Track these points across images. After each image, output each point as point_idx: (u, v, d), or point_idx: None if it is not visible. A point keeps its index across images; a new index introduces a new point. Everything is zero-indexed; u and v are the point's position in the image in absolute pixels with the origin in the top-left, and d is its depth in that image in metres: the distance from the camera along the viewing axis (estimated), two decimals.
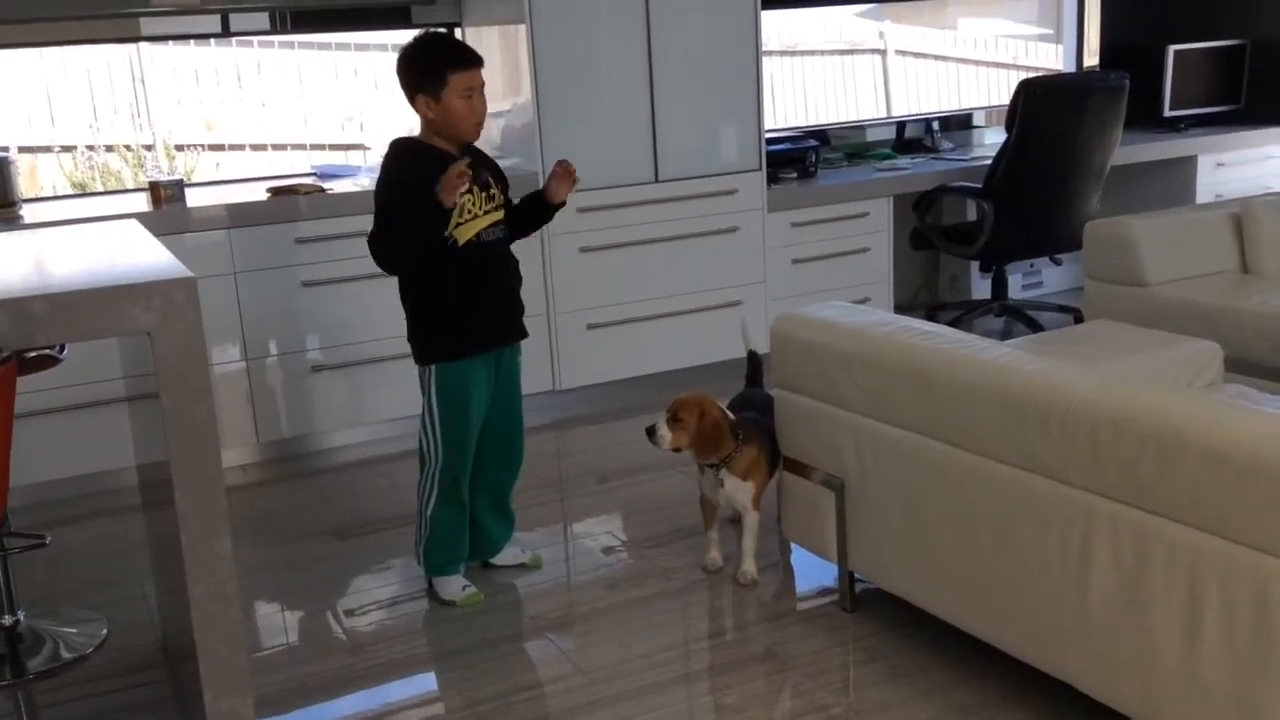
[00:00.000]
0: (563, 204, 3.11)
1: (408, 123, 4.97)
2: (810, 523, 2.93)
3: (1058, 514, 2.24)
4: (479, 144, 3.06)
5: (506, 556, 3.28)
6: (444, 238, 2.88)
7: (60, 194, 5.39)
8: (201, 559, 1.98)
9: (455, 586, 3.10)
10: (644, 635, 2.86)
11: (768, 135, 4.80)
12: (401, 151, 2.96)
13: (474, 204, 2.93)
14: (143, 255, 2.27)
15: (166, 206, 4.07)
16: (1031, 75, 5.21)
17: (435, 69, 2.86)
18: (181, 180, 4.24)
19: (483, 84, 2.92)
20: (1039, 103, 4.74)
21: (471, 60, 2.91)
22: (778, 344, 2.94)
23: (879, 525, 2.71)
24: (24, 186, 4.35)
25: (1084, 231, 4.04)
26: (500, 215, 3.02)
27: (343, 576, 3.31)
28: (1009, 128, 4.84)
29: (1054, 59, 6.32)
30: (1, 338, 1.75)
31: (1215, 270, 3.96)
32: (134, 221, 2.86)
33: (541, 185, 3.14)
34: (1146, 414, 2.09)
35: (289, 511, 3.80)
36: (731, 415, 3.05)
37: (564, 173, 3.05)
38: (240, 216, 4.02)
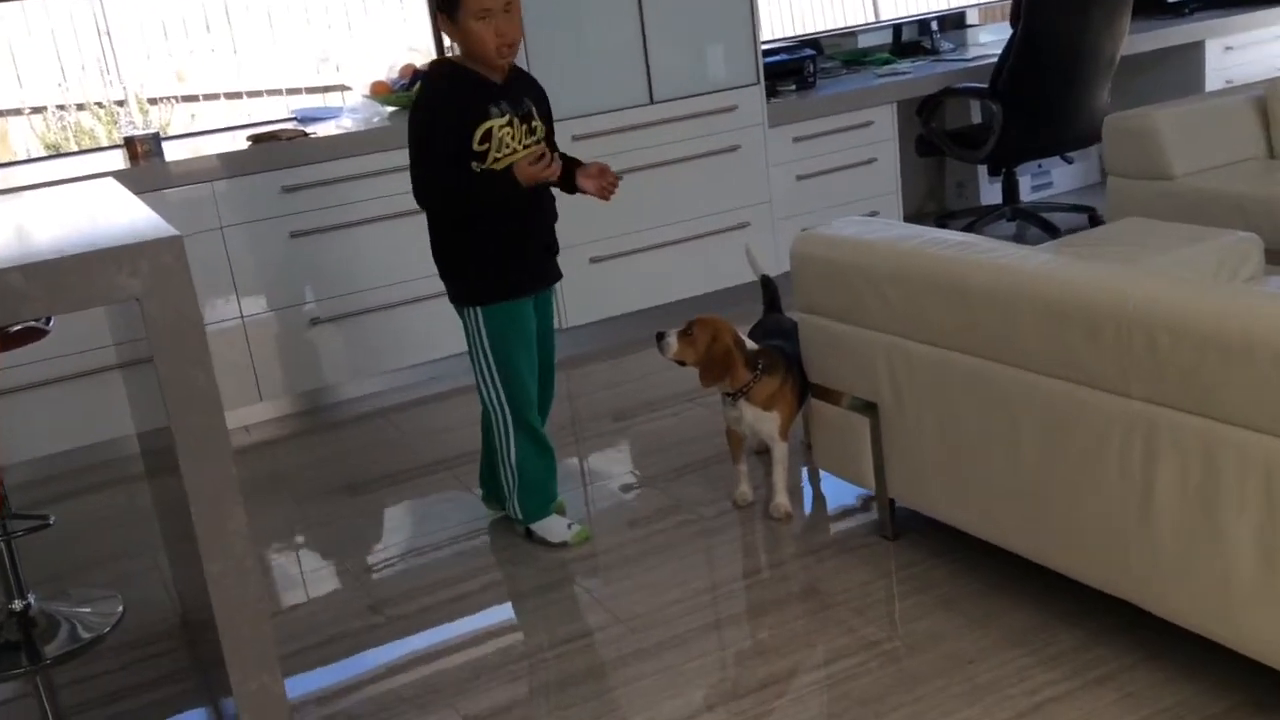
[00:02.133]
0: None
1: (385, 61, 4.83)
2: (843, 450, 2.81)
3: (1115, 427, 2.12)
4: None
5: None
6: (479, 173, 2.71)
7: (33, 157, 5.20)
8: (216, 536, 1.86)
9: (560, 526, 2.98)
10: (678, 578, 2.75)
11: (762, 46, 4.60)
12: (437, 75, 2.80)
13: (514, 137, 2.75)
14: (123, 215, 2.12)
15: (144, 162, 3.89)
16: None
17: None
18: (158, 134, 4.06)
19: (507, 5, 2.67)
20: None
21: None
22: (798, 265, 2.80)
23: (917, 449, 2.59)
24: None
25: (1103, 125, 3.87)
26: (539, 150, 2.80)
27: (359, 533, 3.20)
28: (1013, 23, 4.65)
29: None
30: None
31: (1242, 158, 3.81)
32: (111, 180, 2.70)
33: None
34: (1206, 315, 1.95)
35: (298, 470, 3.67)
36: (752, 344, 2.91)
37: (602, 182, 2.86)
38: (222, 168, 3.85)
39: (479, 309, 2.83)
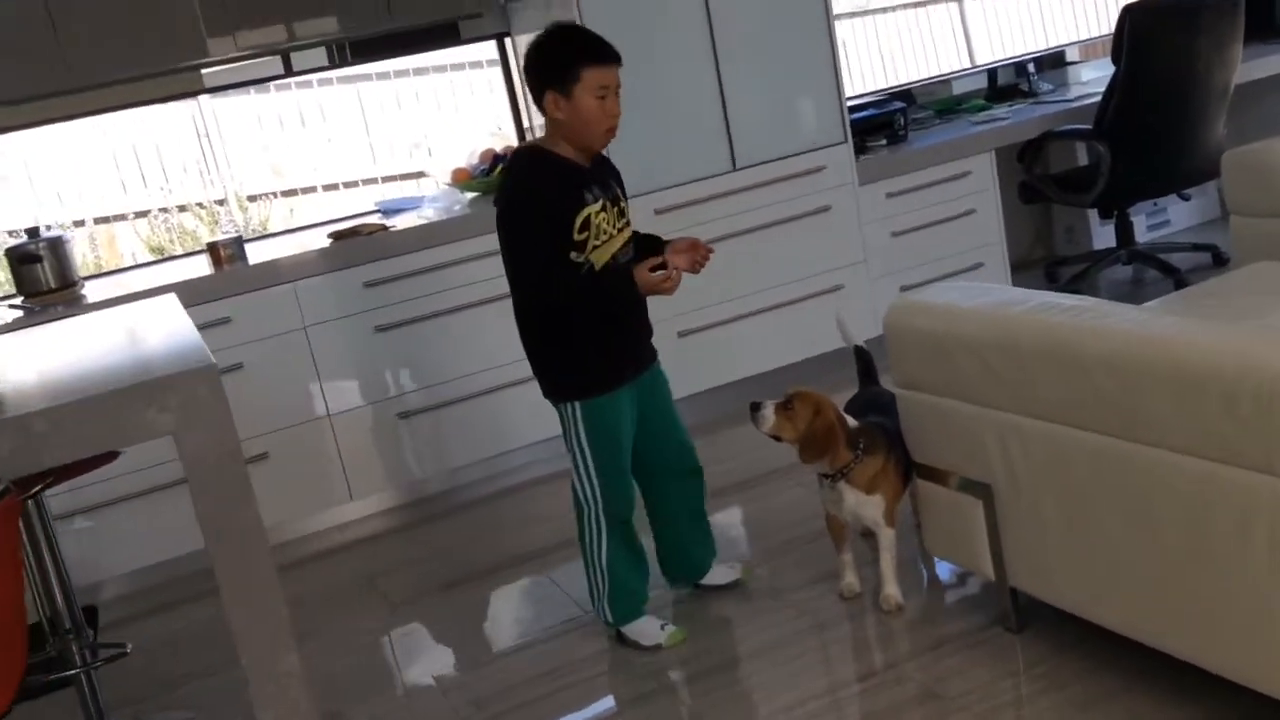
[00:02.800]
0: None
1: (471, 143, 4.78)
2: (956, 534, 2.58)
3: (1261, 509, 1.87)
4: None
5: (717, 575, 2.99)
6: (577, 264, 2.60)
7: (131, 263, 5.24)
8: (267, 683, 1.72)
9: (653, 629, 2.81)
10: (783, 684, 2.54)
11: (849, 103, 4.43)
12: (528, 165, 2.67)
13: (609, 222, 2.64)
14: (165, 340, 2.02)
15: (228, 267, 3.87)
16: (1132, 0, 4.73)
17: (568, 62, 2.55)
18: (240, 237, 4.04)
19: (619, 85, 2.60)
20: (1146, 27, 4.29)
21: (609, 56, 2.59)
22: (894, 337, 2.60)
23: (1038, 533, 2.35)
24: (105, 257, 4.18)
25: (1221, 161, 3.59)
26: (629, 234, 2.73)
27: (448, 635, 3.05)
28: (1115, 59, 4.40)
29: None
30: (2, 465, 1.50)
31: None
32: (172, 297, 2.63)
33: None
34: None
35: (390, 570, 3.56)
36: (852, 421, 2.71)
37: (695, 256, 2.71)
38: (304, 267, 3.80)
39: (576, 404, 2.69)
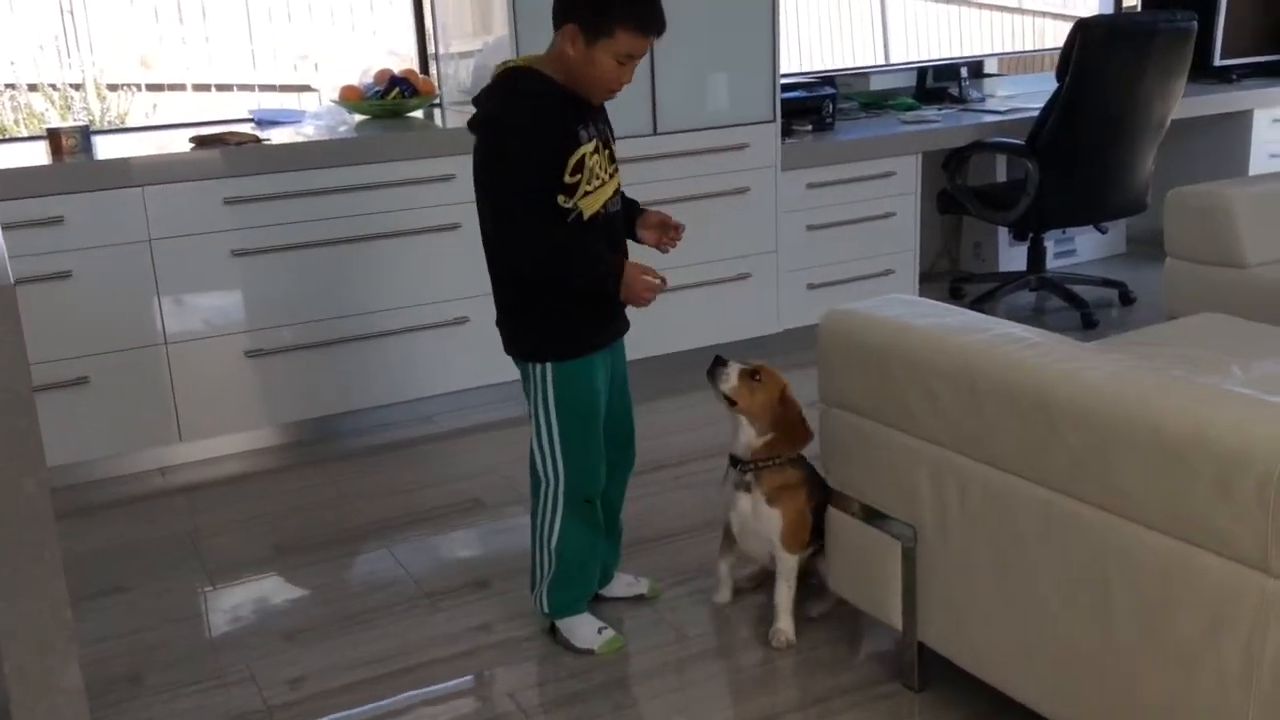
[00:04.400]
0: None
1: (365, 62, 4.33)
2: (866, 575, 2.31)
3: (1244, 608, 1.63)
4: None
5: (619, 586, 2.67)
6: (565, 210, 2.26)
7: None
8: (37, 701, 1.34)
9: (590, 630, 2.49)
10: None
11: (780, 82, 4.13)
12: (527, 90, 2.26)
13: (601, 167, 2.30)
14: None
15: (69, 159, 3.37)
16: (1087, 15, 4.54)
17: (609, 13, 2.20)
18: (87, 127, 3.53)
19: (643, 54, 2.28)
20: (1098, 46, 4.09)
21: (655, 26, 2.27)
22: (827, 346, 2.30)
23: (963, 589, 2.09)
24: None
25: (1166, 200, 3.40)
26: (619, 182, 2.39)
27: (281, 602, 2.67)
28: (1060, 75, 4.20)
29: (1084, 2, 5.61)
30: None
31: None
32: None
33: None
34: None
35: (213, 529, 3.14)
36: None
37: (662, 235, 2.46)
38: (156, 171, 3.32)
39: (549, 366, 2.34)
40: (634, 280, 2.28)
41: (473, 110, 2.35)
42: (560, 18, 2.24)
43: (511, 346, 2.42)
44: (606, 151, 2.34)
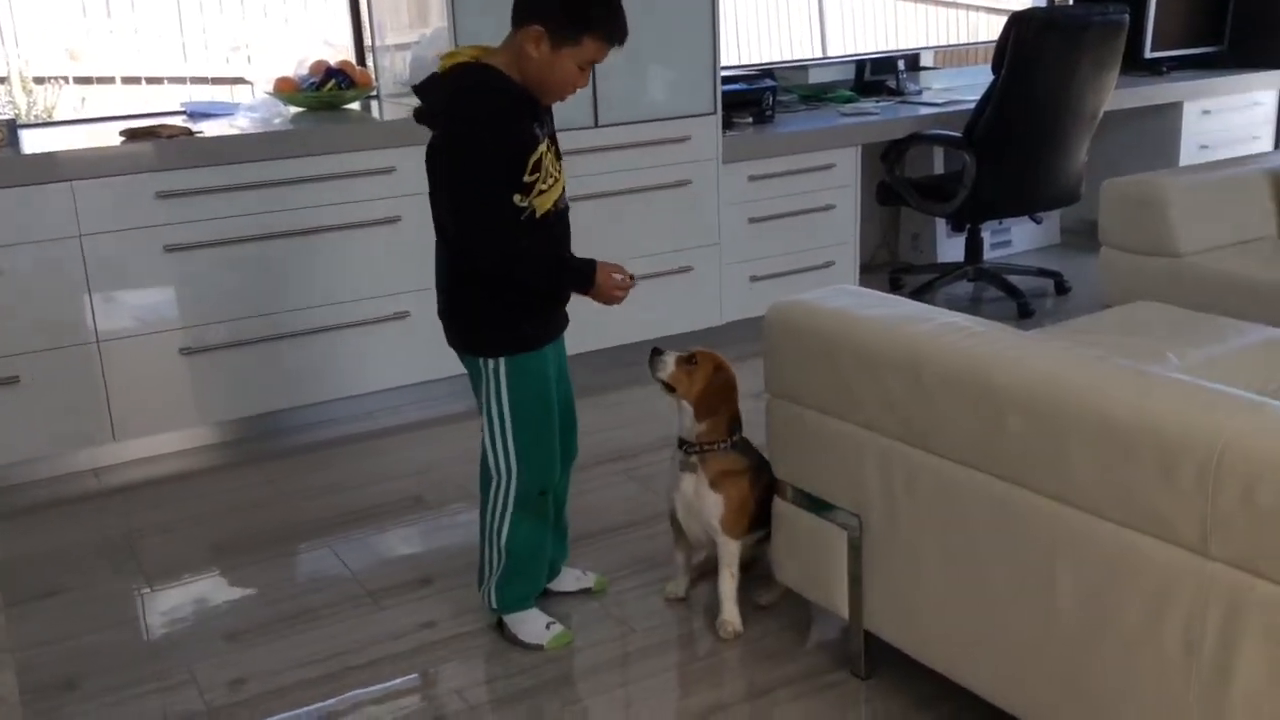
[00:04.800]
0: None
1: (300, 53, 4.26)
2: (812, 564, 2.32)
3: (1183, 591, 1.65)
4: None
5: (567, 581, 2.65)
6: (520, 209, 2.24)
7: None
8: None
9: (538, 625, 2.47)
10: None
11: (721, 74, 4.13)
12: (488, 86, 2.22)
13: (553, 165, 2.30)
14: None
15: None
16: (1022, 9, 4.59)
17: (577, 20, 2.19)
18: (13, 120, 3.44)
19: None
20: (1032, 39, 4.14)
21: (621, 36, 2.28)
22: (774, 338, 2.30)
23: (910, 577, 2.10)
24: None
25: (1101, 190, 3.45)
26: (564, 177, 2.39)
27: (220, 602, 2.62)
28: (996, 68, 4.24)
29: None
30: None
31: (1251, 237, 3.42)
32: None
33: None
34: None
35: (146, 531, 3.08)
36: None
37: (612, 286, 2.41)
38: (86, 166, 3.24)
39: (502, 361, 2.31)
40: (605, 281, 2.30)
41: (414, 102, 2.31)
42: (524, 17, 2.21)
43: (460, 342, 2.39)
44: (554, 149, 2.33)
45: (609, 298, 2.34)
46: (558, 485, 2.53)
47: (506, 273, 2.27)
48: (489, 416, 2.37)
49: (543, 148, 2.25)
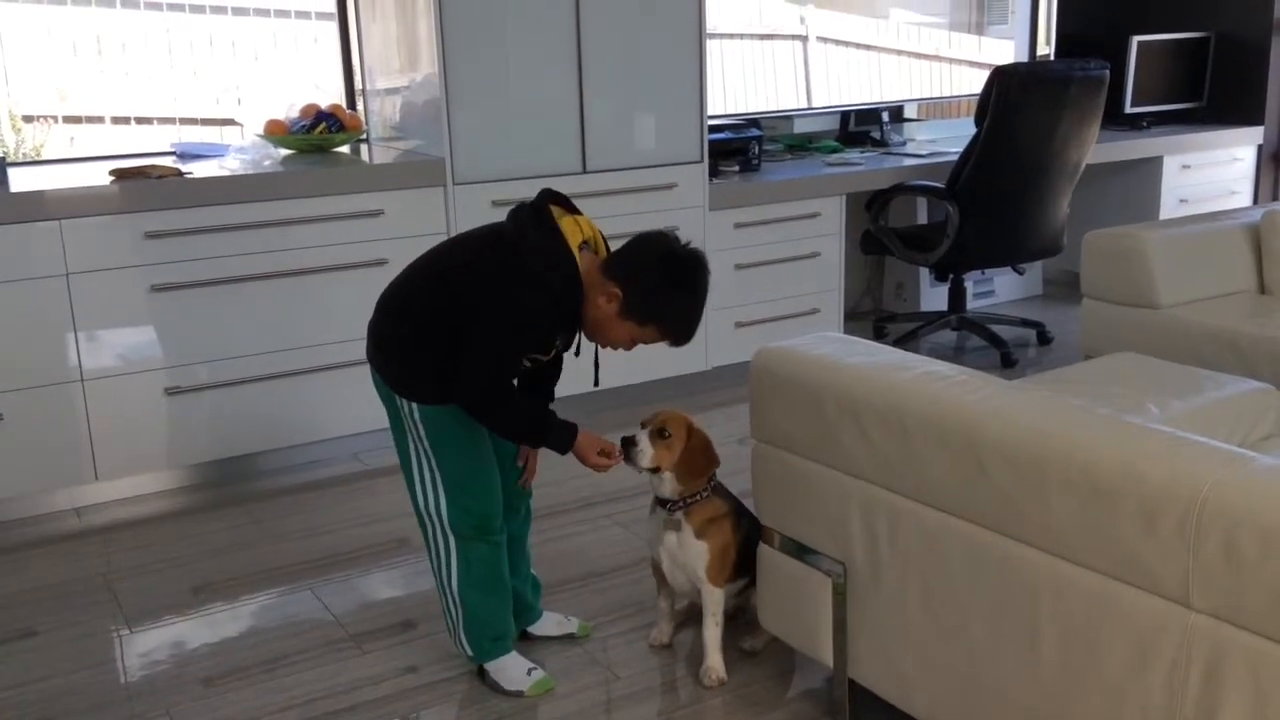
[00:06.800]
0: None
1: (291, 96, 4.29)
2: (796, 612, 2.32)
3: (1166, 642, 1.66)
4: None
5: (549, 625, 2.63)
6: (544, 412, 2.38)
7: None
8: None
9: (519, 671, 2.44)
10: None
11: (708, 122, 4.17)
12: (555, 295, 2.22)
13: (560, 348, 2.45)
14: None
15: None
16: (1005, 64, 4.66)
17: (654, 308, 2.27)
18: (2, 158, 3.47)
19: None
20: (1015, 92, 4.20)
21: (683, 340, 2.34)
22: (759, 384, 2.32)
23: (894, 626, 2.10)
24: None
25: (1083, 242, 3.50)
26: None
27: (198, 644, 2.60)
28: (979, 120, 4.30)
29: (999, 50, 5.77)
30: None
31: (1231, 290, 3.46)
32: None
33: None
34: None
35: (128, 571, 3.05)
36: None
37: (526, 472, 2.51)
38: (74, 205, 3.25)
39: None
40: (587, 453, 2.33)
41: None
42: (615, 273, 2.25)
43: (384, 378, 2.33)
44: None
45: (592, 465, 2.35)
46: (514, 528, 2.50)
47: (487, 414, 2.27)
48: (412, 453, 2.34)
49: (558, 343, 2.35)
